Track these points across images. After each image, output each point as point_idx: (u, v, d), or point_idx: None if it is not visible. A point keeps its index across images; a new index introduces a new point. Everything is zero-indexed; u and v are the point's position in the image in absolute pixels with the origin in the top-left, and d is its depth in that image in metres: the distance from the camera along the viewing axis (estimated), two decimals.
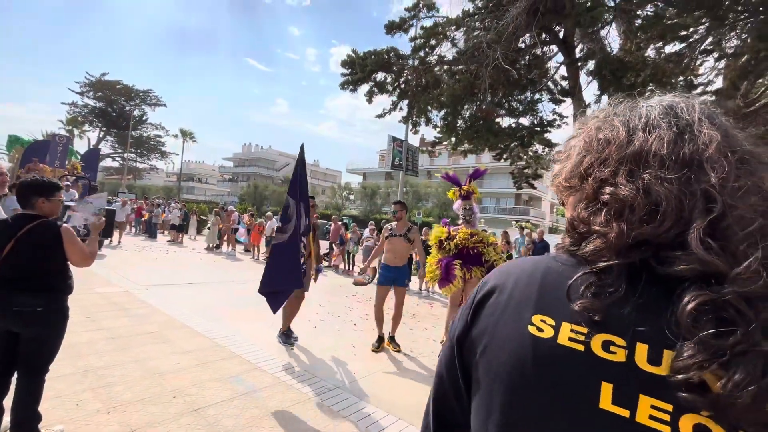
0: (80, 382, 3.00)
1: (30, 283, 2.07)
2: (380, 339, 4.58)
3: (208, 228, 13.81)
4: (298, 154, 4.07)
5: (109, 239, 12.02)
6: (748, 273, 0.42)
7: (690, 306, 0.42)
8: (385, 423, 2.87)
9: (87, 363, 3.34)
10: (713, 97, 6.81)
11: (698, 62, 6.17)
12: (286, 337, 4.42)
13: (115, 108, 42.06)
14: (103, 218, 2.41)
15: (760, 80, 7.27)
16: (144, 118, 44.02)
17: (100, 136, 43.15)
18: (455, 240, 4.26)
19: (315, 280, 4.58)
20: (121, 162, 44.38)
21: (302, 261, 3.95)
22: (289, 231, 3.90)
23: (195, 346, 4.00)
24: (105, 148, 45.04)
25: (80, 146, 34.77)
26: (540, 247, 8.51)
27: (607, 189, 0.51)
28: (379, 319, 4.61)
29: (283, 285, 3.88)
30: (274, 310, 3.89)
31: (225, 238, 13.62)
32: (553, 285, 0.53)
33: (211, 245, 13.44)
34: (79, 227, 4.48)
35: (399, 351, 4.52)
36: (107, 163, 48.60)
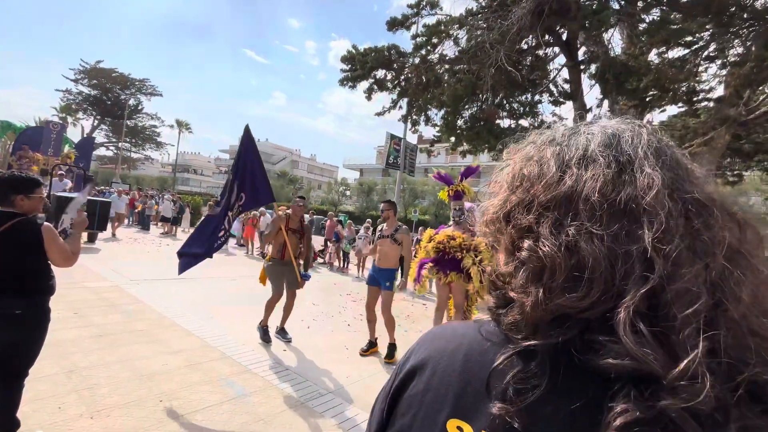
0: (64, 383, 2.91)
1: (8, 285, 1.97)
2: (371, 343, 4.47)
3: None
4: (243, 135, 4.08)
5: (112, 233, 11.85)
6: (686, 378, 0.31)
7: (614, 425, 0.31)
8: None
9: (72, 362, 3.24)
10: (714, 105, 6.79)
11: (701, 68, 6.12)
12: (263, 332, 4.34)
13: (110, 96, 41.46)
14: (85, 213, 2.29)
15: (760, 88, 7.26)
16: (139, 107, 43.49)
17: (95, 124, 42.58)
18: (432, 243, 4.21)
19: (301, 286, 4.44)
20: (116, 151, 43.83)
21: (221, 234, 3.93)
22: (222, 205, 3.98)
23: (185, 346, 3.91)
24: (99, 136, 44.46)
25: (74, 134, 34.35)
26: None
27: (526, 243, 0.40)
28: (370, 321, 4.50)
29: (197, 249, 3.92)
30: (179, 272, 3.91)
31: None
32: (475, 372, 0.41)
33: None
34: (68, 228, 4.37)
35: (391, 362, 4.22)
36: (101, 152, 47.98)
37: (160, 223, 16.48)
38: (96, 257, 8.03)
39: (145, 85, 42.55)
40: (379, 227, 4.55)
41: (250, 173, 4.07)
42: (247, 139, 4.09)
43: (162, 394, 2.91)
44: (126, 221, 16.10)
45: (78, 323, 4.15)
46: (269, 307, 4.40)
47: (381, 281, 4.32)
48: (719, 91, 7.10)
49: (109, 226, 11.96)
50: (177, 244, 12.16)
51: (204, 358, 3.68)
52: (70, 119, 37.45)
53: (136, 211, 16.31)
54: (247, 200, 4.07)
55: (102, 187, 19.94)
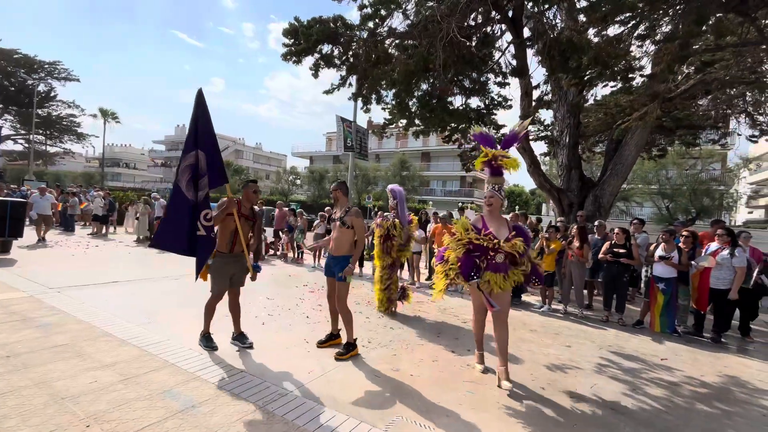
0: None
1: None
2: (331, 335, 4.20)
3: (137, 218, 12.42)
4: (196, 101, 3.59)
5: (41, 238, 10.08)
6: None
7: None
8: (346, 428, 2.62)
9: None
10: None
11: (634, 46, 6.45)
12: (206, 340, 3.81)
13: (13, 81, 36.04)
14: None
15: (683, 67, 7.85)
16: (52, 94, 38.39)
17: None
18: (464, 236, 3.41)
19: (253, 278, 3.94)
20: (26, 145, 38.60)
21: (208, 224, 3.64)
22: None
23: (118, 358, 3.42)
24: (4, 129, 38.85)
25: None
26: None
27: None
28: (331, 312, 4.21)
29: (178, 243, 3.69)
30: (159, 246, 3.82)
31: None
32: None
33: (141, 237, 12.13)
34: None
35: (342, 358, 3.81)
36: (8, 146, 42.09)
37: (87, 223, 14.89)
38: (6, 266, 6.93)
39: (57, 68, 37.45)
40: (333, 211, 4.24)
41: (210, 148, 3.60)
42: (202, 106, 3.55)
43: (89, 418, 2.48)
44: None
45: None
46: (210, 310, 3.84)
47: (335, 271, 3.93)
48: (648, 69, 7.58)
49: (31, 230, 10.33)
50: (107, 245, 10.98)
51: (142, 369, 3.23)
52: None
53: (57, 210, 14.47)
54: (210, 179, 3.59)
55: (11, 186, 17.41)
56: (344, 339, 4.02)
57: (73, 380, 2.96)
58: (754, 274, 5.76)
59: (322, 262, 10.09)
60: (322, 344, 4.13)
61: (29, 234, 10.23)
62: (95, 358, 3.39)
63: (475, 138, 3.64)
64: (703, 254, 5.89)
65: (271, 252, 11.37)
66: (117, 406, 2.65)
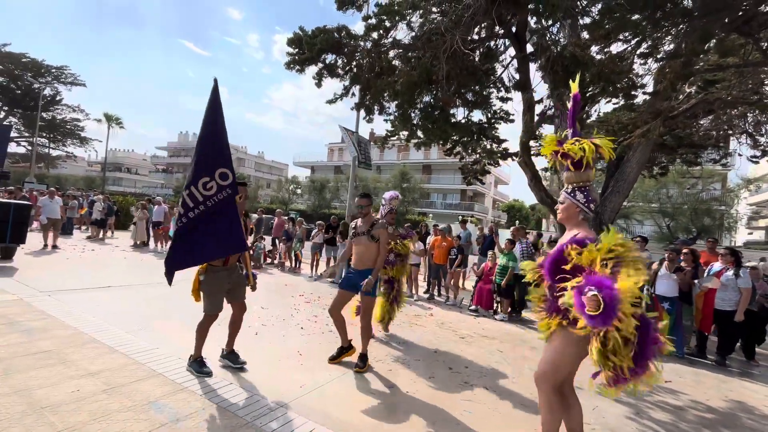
0: None
1: None
2: (341, 350, 3.99)
3: (134, 223, 12.34)
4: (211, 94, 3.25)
5: (50, 245, 9.55)
6: None
7: None
8: None
9: None
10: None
11: (637, 64, 6.47)
12: (199, 365, 3.37)
13: (20, 84, 36.36)
14: None
15: (684, 86, 7.87)
16: (58, 98, 38.68)
17: (1, 116, 37.28)
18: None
19: (254, 288, 3.70)
20: (29, 148, 38.74)
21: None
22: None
23: (104, 366, 3.30)
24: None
25: None
26: (490, 241, 8.60)
27: None
28: (337, 325, 3.99)
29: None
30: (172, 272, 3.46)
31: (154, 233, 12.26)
32: None
33: (137, 242, 12.03)
34: None
35: (361, 370, 3.77)
36: (11, 148, 42.18)
37: (83, 227, 14.85)
38: (7, 275, 6.82)
39: (64, 73, 37.81)
40: (353, 224, 4.13)
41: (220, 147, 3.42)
42: (214, 99, 3.25)
43: (68, 430, 2.36)
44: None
45: None
46: (202, 332, 3.39)
47: (359, 286, 3.79)
48: (650, 87, 7.59)
49: (39, 234, 9.91)
50: (104, 249, 10.85)
51: (128, 379, 3.11)
52: None
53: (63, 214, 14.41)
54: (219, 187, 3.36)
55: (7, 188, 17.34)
56: (357, 350, 3.91)
57: (55, 388, 2.83)
58: (758, 296, 5.66)
59: (318, 272, 9.97)
60: (334, 360, 3.94)
61: (38, 239, 9.84)
62: (80, 365, 3.27)
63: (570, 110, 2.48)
64: (706, 274, 5.80)
65: (269, 260, 11.26)
66: (98, 417, 2.53)
